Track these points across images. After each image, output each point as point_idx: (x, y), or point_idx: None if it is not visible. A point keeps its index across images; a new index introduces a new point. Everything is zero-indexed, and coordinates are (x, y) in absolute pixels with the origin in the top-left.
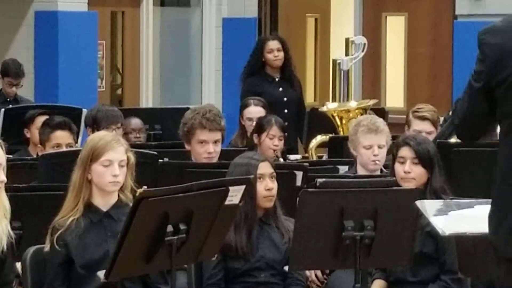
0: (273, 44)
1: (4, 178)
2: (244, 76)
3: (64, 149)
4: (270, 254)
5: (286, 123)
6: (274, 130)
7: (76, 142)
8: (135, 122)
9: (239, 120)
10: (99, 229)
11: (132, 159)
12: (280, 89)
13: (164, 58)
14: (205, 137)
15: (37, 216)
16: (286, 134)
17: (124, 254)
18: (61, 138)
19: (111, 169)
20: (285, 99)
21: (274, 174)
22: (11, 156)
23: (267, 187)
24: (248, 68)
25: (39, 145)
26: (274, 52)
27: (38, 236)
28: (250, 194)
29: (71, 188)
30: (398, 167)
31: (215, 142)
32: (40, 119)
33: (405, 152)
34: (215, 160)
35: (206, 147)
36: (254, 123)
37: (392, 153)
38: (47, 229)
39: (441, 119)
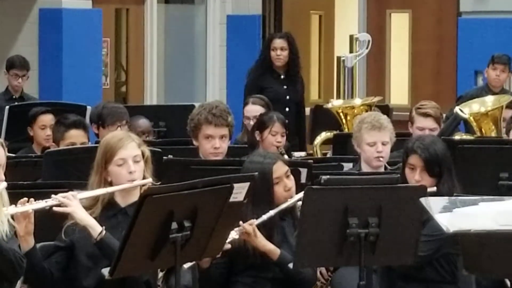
0: (278, 42)
1: (3, 177)
2: (251, 70)
3: None
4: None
5: (287, 121)
6: (277, 127)
7: (89, 141)
8: (143, 122)
9: (243, 117)
10: (112, 223)
11: (147, 152)
12: (285, 86)
13: (168, 55)
14: (211, 132)
15: (41, 214)
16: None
17: (128, 251)
18: (76, 137)
19: (126, 166)
20: (287, 97)
21: (289, 170)
22: (14, 154)
23: (286, 188)
24: (256, 63)
25: (52, 143)
26: (277, 51)
27: (43, 233)
28: (267, 199)
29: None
30: (408, 174)
31: (222, 137)
32: (42, 118)
33: (414, 160)
34: (221, 156)
35: (212, 143)
36: (251, 122)
37: (402, 157)
38: (51, 227)
39: (444, 116)
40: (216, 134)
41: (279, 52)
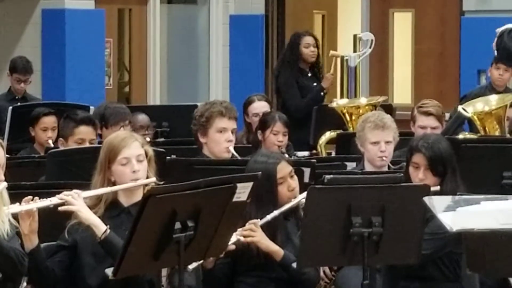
0: (311, 39)
1: (2, 177)
2: (278, 70)
3: (87, 145)
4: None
5: None
6: (278, 126)
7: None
8: (143, 118)
9: (244, 117)
10: (115, 222)
11: (150, 151)
12: (315, 84)
13: (171, 55)
14: (225, 124)
15: (44, 214)
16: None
17: (132, 251)
18: (85, 134)
19: (129, 166)
20: (321, 93)
21: (293, 170)
22: (16, 154)
23: (290, 188)
24: (283, 63)
25: (60, 139)
26: (310, 47)
27: (45, 233)
28: (271, 200)
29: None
30: (413, 172)
31: (232, 132)
32: (44, 120)
33: (419, 159)
34: (232, 149)
35: (226, 135)
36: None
37: (406, 156)
38: (53, 227)
39: (447, 115)
40: (229, 127)
41: (313, 49)
